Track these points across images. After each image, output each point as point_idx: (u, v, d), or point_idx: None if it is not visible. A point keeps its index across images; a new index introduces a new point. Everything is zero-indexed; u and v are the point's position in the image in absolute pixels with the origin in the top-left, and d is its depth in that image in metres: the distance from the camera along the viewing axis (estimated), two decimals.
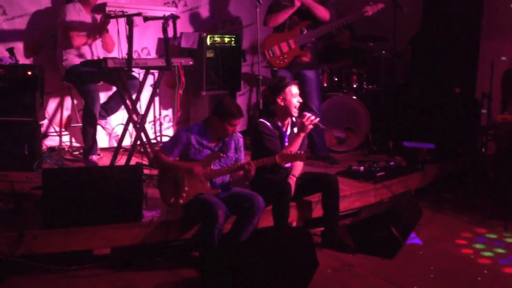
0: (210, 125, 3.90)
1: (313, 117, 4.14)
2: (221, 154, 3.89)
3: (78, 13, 5.15)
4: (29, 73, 4.80)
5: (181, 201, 3.82)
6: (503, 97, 5.97)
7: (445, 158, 6.01)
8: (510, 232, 4.64)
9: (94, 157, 5.16)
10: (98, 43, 5.33)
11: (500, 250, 4.32)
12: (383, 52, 6.38)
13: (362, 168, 5.19)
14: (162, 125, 6.26)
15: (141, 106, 5.15)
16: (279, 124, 4.29)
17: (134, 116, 4.99)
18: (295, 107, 4.23)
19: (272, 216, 4.05)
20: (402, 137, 6.08)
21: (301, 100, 4.28)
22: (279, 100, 4.24)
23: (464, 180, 5.86)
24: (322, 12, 5.39)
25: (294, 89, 4.25)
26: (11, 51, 5.01)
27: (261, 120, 4.29)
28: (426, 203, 5.24)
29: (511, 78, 5.99)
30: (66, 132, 5.75)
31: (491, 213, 5.00)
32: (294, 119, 4.33)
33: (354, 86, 6.44)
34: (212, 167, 3.86)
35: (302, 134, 4.15)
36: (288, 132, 4.32)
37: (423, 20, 6.75)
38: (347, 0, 6.95)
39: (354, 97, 6.25)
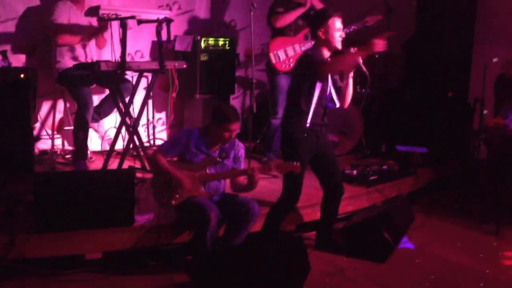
0: (209, 132, 3.88)
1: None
2: (218, 159, 3.88)
3: (68, 11, 5.09)
4: (22, 76, 4.76)
5: (174, 202, 3.82)
6: (496, 101, 5.99)
7: (438, 162, 6.02)
8: (501, 236, 4.65)
9: (85, 162, 5.14)
10: (92, 45, 5.31)
11: (490, 254, 4.33)
12: (376, 56, 6.38)
13: (355, 172, 5.20)
14: (155, 128, 6.24)
15: (134, 109, 5.14)
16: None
17: (127, 119, 4.97)
18: (337, 41, 3.97)
19: (264, 219, 4.03)
20: (395, 141, 6.09)
21: (343, 35, 4.01)
22: (320, 33, 3.94)
23: (456, 184, 5.87)
24: None
25: (338, 23, 3.97)
26: (4, 53, 4.98)
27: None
28: (418, 207, 5.25)
29: (504, 82, 6.00)
30: (59, 135, 5.73)
31: (483, 217, 5.01)
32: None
33: None
34: (207, 171, 3.86)
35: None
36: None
37: (417, 24, 6.77)
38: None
39: None
